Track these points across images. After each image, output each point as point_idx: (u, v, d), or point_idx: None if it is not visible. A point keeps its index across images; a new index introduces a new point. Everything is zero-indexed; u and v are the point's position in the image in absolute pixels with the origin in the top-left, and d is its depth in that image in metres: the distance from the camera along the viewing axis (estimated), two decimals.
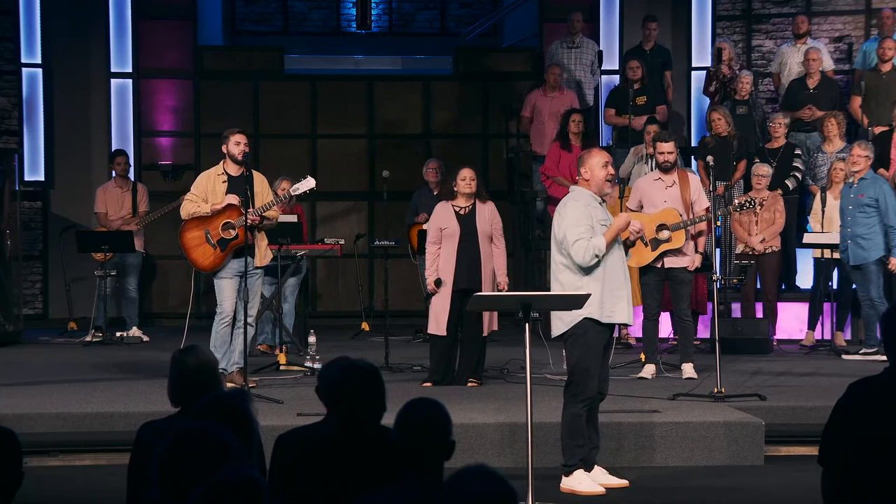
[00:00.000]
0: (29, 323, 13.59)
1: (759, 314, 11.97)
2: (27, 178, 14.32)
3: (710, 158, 9.35)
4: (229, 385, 8.57)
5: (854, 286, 11.64)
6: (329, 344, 11.20)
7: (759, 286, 12.11)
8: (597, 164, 6.98)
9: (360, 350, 10.89)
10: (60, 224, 14.30)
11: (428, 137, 15.41)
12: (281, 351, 10.62)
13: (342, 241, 11.68)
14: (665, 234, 9.63)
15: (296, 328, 11.70)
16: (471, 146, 15.29)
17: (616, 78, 14.50)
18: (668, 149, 9.85)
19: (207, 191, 9.18)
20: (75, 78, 14.80)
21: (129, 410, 8.08)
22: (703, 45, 14.46)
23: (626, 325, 8.17)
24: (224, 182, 9.18)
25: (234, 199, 9.05)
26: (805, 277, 12.80)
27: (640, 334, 10.64)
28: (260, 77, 15.30)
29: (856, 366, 10.25)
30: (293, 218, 11.47)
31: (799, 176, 12.48)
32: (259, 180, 9.24)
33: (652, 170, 10.57)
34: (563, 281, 6.94)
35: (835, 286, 11.83)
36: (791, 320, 12.43)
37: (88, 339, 12.48)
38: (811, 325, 12.06)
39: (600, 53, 14.20)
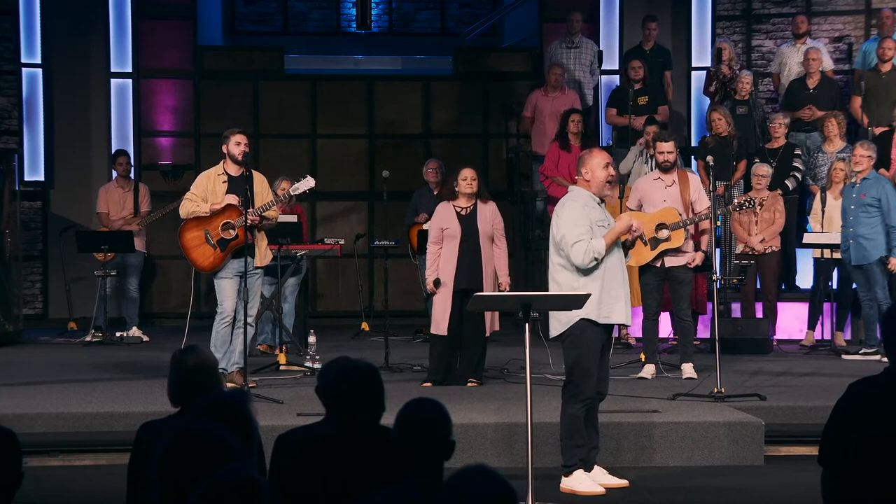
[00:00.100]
0: (29, 323, 13.59)
1: (759, 314, 11.97)
2: (27, 178, 14.32)
3: (710, 158, 9.35)
4: (229, 385, 8.57)
5: (854, 286, 11.65)
6: (329, 344, 11.20)
7: (759, 286, 12.11)
8: (598, 164, 6.97)
9: (360, 350, 10.89)
10: (60, 224, 14.29)
11: (428, 137, 15.41)
12: (281, 351, 10.63)
13: (342, 241, 11.68)
14: (664, 233, 9.63)
15: (296, 328, 11.70)
16: (471, 146, 15.29)
17: (616, 78, 14.51)
18: (667, 148, 9.85)
19: (207, 191, 9.18)
20: (75, 78, 14.80)
21: (129, 410, 8.08)
22: (703, 45, 14.46)
23: (624, 326, 8.17)
24: (224, 182, 9.18)
25: (233, 199, 9.05)
26: (805, 277, 12.80)
27: (639, 334, 10.64)
28: (260, 77, 15.31)
29: (856, 366, 10.25)
30: (293, 218, 11.47)
31: (799, 176, 12.48)
32: (259, 180, 9.24)
33: (652, 170, 10.57)
34: (560, 281, 6.93)
35: (835, 286, 11.83)
36: (791, 320, 12.43)
37: (88, 339, 12.49)
38: (811, 325, 12.06)
39: (600, 53, 14.21)
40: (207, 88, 15.18)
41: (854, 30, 14.31)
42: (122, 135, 14.71)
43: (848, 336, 12.19)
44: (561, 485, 6.96)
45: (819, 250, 11.70)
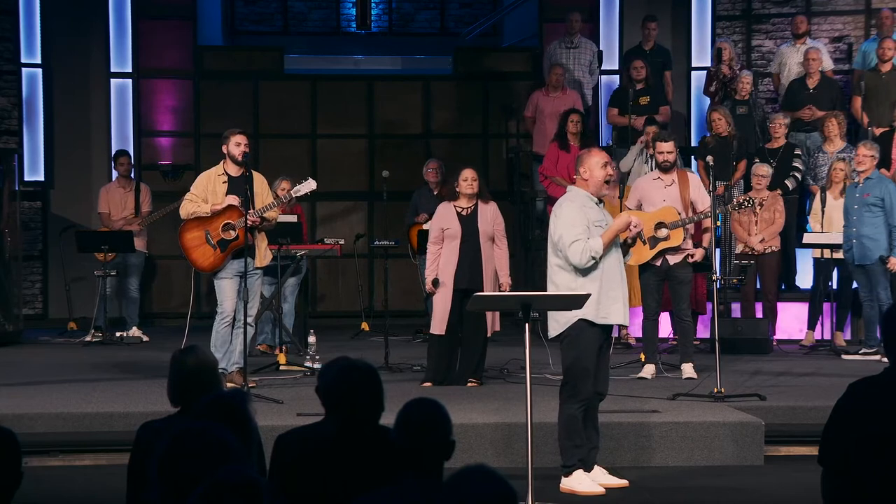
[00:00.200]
0: (29, 323, 13.59)
1: (759, 314, 11.97)
2: (27, 178, 14.32)
3: (710, 158, 9.35)
4: (229, 385, 8.57)
5: (855, 286, 11.65)
6: (329, 344, 11.20)
7: (758, 286, 12.11)
8: (596, 164, 6.96)
9: (360, 350, 10.89)
10: (60, 224, 14.30)
11: (428, 137, 15.41)
12: (281, 351, 10.63)
13: (342, 241, 11.68)
14: (663, 232, 9.63)
15: (296, 328, 11.70)
16: (471, 146, 15.29)
17: (615, 78, 14.52)
18: (667, 148, 9.85)
19: (208, 191, 9.19)
20: (75, 78, 14.80)
21: (129, 410, 8.08)
22: (703, 45, 14.47)
23: (623, 326, 8.17)
24: (224, 182, 9.18)
25: (234, 199, 9.05)
26: (805, 277, 12.80)
27: (639, 334, 10.64)
28: (260, 77, 15.31)
29: (856, 366, 10.25)
30: (293, 218, 11.47)
31: (799, 176, 12.48)
32: (259, 181, 9.24)
33: (652, 169, 10.57)
34: (557, 282, 6.92)
35: (835, 286, 11.83)
36: (791, 320, 12.43)
37: (88, 339, 12.48)
38: (811, 325, 12.06)
39: (600, 53, 14.21)
40: (207, 88, 15.18)
41: (854, 30, 14.31)
42: (122, 135, 14.71)
43: (848, 336, 12.19)
44: (561, 485, 6.96)
45: (819, 250, 11.70)
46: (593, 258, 6.79)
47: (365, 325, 13.39)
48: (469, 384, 9.33)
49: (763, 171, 11.85)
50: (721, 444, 7.76)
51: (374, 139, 15.42)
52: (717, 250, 11.66)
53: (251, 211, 8.92)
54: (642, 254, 9.64)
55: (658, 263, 9.73)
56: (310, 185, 9.52)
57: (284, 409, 8.07)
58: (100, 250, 12.56)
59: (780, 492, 7.12)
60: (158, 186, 14.29)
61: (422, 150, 15.02)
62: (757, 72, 14.12)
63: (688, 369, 9.72)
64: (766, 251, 11.88)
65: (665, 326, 10.87)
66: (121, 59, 14.79)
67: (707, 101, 13.70)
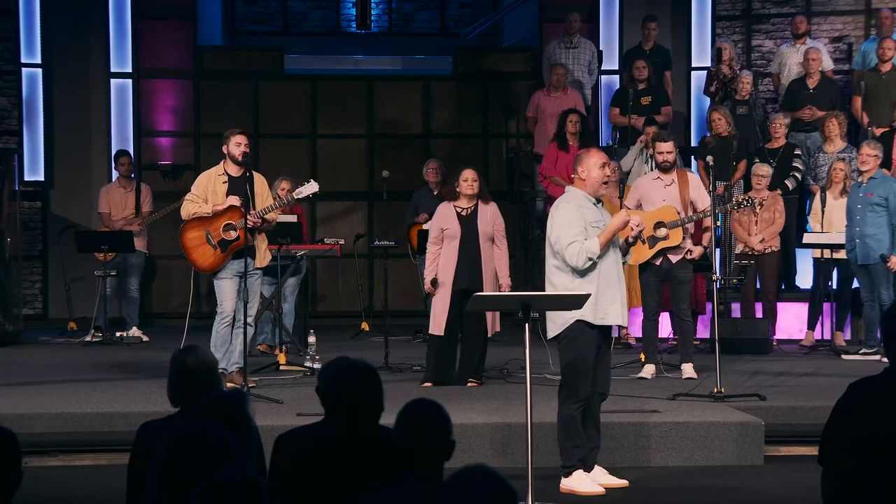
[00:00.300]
0: (29, 323, 13.59)
1: (759, 314, 11.97)
2: (27, 178, 14.32)
3: (710, 158, 9.35)
4: (229, 385, 8.58)
5: (855, 286, 11.65)
6: (329, 344, 11.20)
7: (758, 286, 12.11)
8: (594, 164, 6.96)
9: (360, 350, 10.89)
10: (60, 224, 14.30)
11: (428, 137, 15.41)
12: (281, 351, 10.63)
13: (342, 241, 11.68)
14: (663, 231, 9.63)
15: (296, 328, 11.70)
16: (471, 146, 15.29)
17: (615, 78, 14.52)
18: (667, 148, 9.85)
19: (208, 191, 9.19)
20: (75, 78, 14.80)
21: (129, 410, 8.08)
22: (703, 45, 14.47)
23: (623, 326, 8.16)
24: (224, 182, 9.18)
25: (235, 200, 9.05)
26: (805, 277, 12.80)
27: (639, 334, 10.64)
28: (260, 77, 15.31)
29: (856, 366, 10.25)
30: (293, 218, 11.47)
31: (799, 176, 12.48)
32: (259, 181, 9.25)
33: (652, 169, 10.57)
34: (555, 283, 6.92)
35: (834, 286, 11.83)
36: (791, 320, 12.43)
37: (88, 339, 12.48)
38: (811, 325, 12.06)
39: (600, 53, 14.21)
40: (207, 88, 15.18)
41: (854, 30, 14.31)
42: (122, 135, 14.71)
43: (848, 336, 12.19)
44: (561, 485, 6.96)
45: (819, 250, 11.70)
46: (590, 259, 6.78)
47: (365, 325, 13.39)
48: (469, 384, 9.33)
49: (763, 171, 11.85)
50: (721, 444, 7.76)
51: (374, 139, 15.42)
52: (717, 250, 11.67)
53: (252, 211, 8.92)
54: (641, 253, 9.64)
55: (658, 262, 9.74)
56: (312, 188, 9.52)
57: (284, 409, 8.07)
58: (100, 250, 12.56)
59: (780, 492, 7.12)
60: (158, 186, 14.29)
61: (422, 150, 15.02)
62: (757, 72, 14.12)
63: (688, 369, 9.72)
64: (766, 251, 11.89)
65: (665, 326, 10.87)
66: (121, 59, 14.79)
67: (707, 101, 13.70)
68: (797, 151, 12.55)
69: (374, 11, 16.80)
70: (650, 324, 9.90)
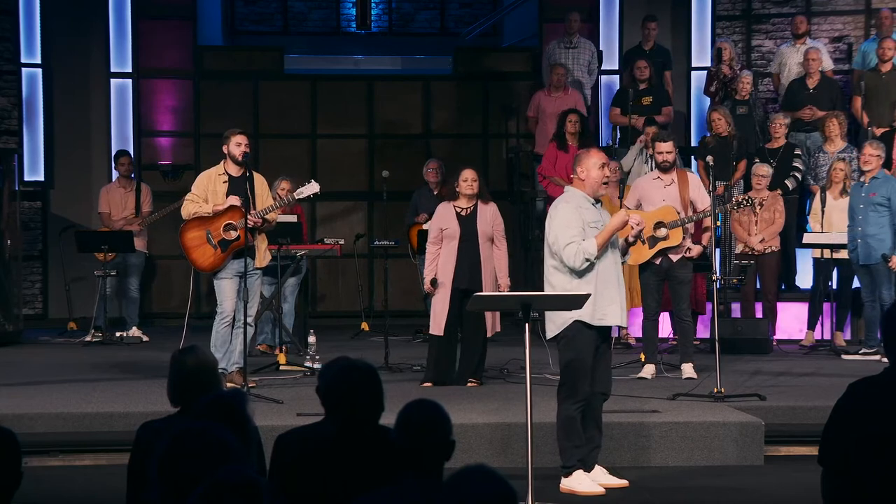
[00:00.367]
0: (29, 323, 13.59)
1: (759, 314, 11.97)
2: (27, 178, 14.32)
3: (710, 158, 9.35)
4: (229, 385, 8.58)
5: (856, 286, 11.64)
6: (329, 344, 11.20)
7: (758, 286, 12.11)
8: (593, 164, 6.95)
9: (360, 350, 10.89)
10: (60, 224, 14.30)
11: (428, 137, 15.41)
12: (281, 351, 10.63)
13: (342, 241, 11.67)
14: (662, 231, 9.63)
15: (296, 328, 11.70)
16: (471, 146, 15.29)
17: (615, 78, 14.52)
18: (666, 148, 9.85)
19: (208, 190, 9.19)
20: (75, 78, 14.80)
21: (128, 410, 8.08)
22: (703, 45, 14.47)
23: (622, 327, 8.15)
24: (225, 182, 9.19)
25: (236, 200, 9.05)
26: (805, 277, 12.80)
27: (639, 334, 10.64)
28: (260, 77, 15.31)
29: (856, 366, 10.25)
30: (293, 218, 11.47)
31: (799, 176, 12.48)
32: (259, 182, 9.25)
33: (652, 169, 10.57)
34: (554, 283, 6.92)
35: (834, 286, 11.83)
36: (791, 320, 12.43)
37: (88, 339, 12.48)
38: (811, 325, 12.06)
39: (600, 53, 14.21)
40: (207, 88, 15.18)
41: (854, 30, 14.31)
42: (122, 135, 14.71)
43: (848, 336, 12.19)
44: (560, 485, 6.96)
45: (819, 250, 11.70)
46: (587, 260, 6.77)
47: (365, 325, 13.39)
48: (469, 384, 9.33)
49: (763, 171, 11.85)
50: (721, 444, 7.76)
51: (374, 139, 15.42)
52: (717, 250, 11.68)
53: (253, 211, 8.93)
54: (641, 253, 9.64)
55: (658, 262, 9.73)
56: (313, 188, 9.52)
57: (284, 409, 8.07)
58: (100, 250, 12.56)
59: (780, 492, 7.12)
60: (158, 186, 14.29)
61: (422, 150, 15.02)
62: (757, 72, 14.12)
63: (688, 369, 9.72)
64: (766, 251, 11.89)
65: (665, 326, 10.87)
66: (121, 59, 14.79)
67: (707, 101, 13.70)
68: (797, 151, 12.55)
69: (374, 11, 16.81)
70: (650, 324, 9.90)
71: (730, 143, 12.20)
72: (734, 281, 11.72)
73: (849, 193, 11.52)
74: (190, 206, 9.19)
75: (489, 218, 9.37)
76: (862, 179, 11.22)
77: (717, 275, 9.24)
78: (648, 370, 9.80)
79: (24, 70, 14.51)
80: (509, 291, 9.30)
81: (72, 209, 14.59)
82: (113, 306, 13.00)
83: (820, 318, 11.91)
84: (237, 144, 9.16)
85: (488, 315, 9.28)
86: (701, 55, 14.45)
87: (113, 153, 13.98)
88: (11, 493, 3.55)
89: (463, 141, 15.34)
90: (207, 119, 14.95)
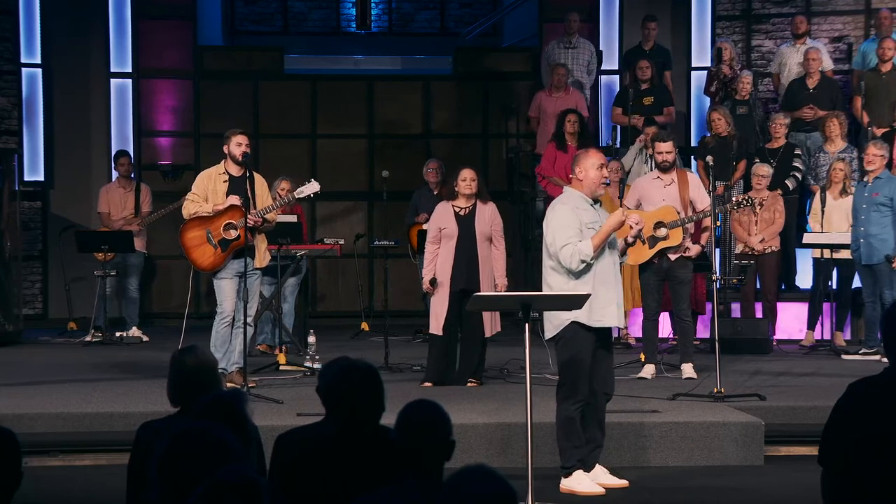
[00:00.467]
0: (29, 323, 13.59)
1: (759, 314, 11.97)
2: (27, 178, 14.32)
3: (709, 158, 9.35)
4: (229, 385, 8.58)
5: (856, 286, 11.64)
6: (329, 344, 11.20)
7: (758, 286, 12.11)
8: (592, 164, 6.94)
9: (360, 350, 10.89)
10: (60, 224, 14.30)
11: (428, 137, 15.41)
12: (281, 351, 10.63)
13: (342, 241, 11.67)
14: (662, 231, 9.63)
15: (296, 328, 11.70)
16: (471, 146, 15.29)
17: (615, 78, 14.52)
18: (666, 148, 9.85)
19: (208, 190, 9.19)
20: (75, 78, 14.80)
21: (128, 410, 8.08)
22: (703, 45, 14.47)
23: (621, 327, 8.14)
24: (225, 182, 9.19)
25: (236, 199, 9.05)
26: (805, 277, 12.80)
27: (639, 334, 10.64)
28: (260, 77, 15.31)
29: (856, 366, 10.25)
30: (293, 218, 11.47)
31: (799, 176, 12.48)
32: (259, 182, 9.26)
33: (651, 169, 10.58)
34: (551, 284, 6.91)
35: (834, 286, 11.83)
36: (791, 320, 12.43)
37: (88, 339, 12.49)
38: (811, 325, 12.06)
39: (600, 53, 14.20)
40: (207, 88, 15.18)
41: (854, 30, 14.31)
42: (121, 135, 14.72)
43: (848, 336, 12.19)
44: (560, 485, 6.96)
45: (819, 250, 11.70)
46: (583, 261, 6.76)
47: (365, 325, 13.38)
48: (469, 384, 9.33)
49: (763, 171, 11.85)
50: (721, 444, 7.76)
51: (374, 139, 15.42)
52: (717, 250, 11.68)
53: (253, 211, 8.93)
54: (641, 253, 9.64)
55: (657, 261, 9.73)
56: (313, 187, 9.52)
57: (284, 409, 8.07)
58: (100, 250, 12.56)
59: (780, 492, 7.12)
60: (158, 186, 14.29)
61: (422, 150, 15.02)
62: (757, 72, 14.12)
63: (688, 369, 9.72)
64: (766, 251, 11.88)
65: (665, 326, 10.87)
66: (121, 59, 14.79)
67: (707, 101, 13.70)
68: (797, 151, 12.55)
69: (374, 11, 16.81)
70: (650, 324, 9.90)
71: (730, 143, 12.20)
72: (734, 281, 11.72)
73: (849, 193, 11.52)
74: (190, 206, 9.20)
75: (488, 218, 9.37)
76: (865, 179, 11.21)
77: (717, 275, 9.24)
78: (648, 370, 9.80)
79: (24, 70, 14.51)
80: (506, 291, 9.31)
81: (72, 209, 14.59)
82: (113, 306, 13.00)
83: (820, 318, 11.91)
84: (237, 144, 9.17)
85: (487, 315, 9.28)
86: (701, 55, 14.45)
87: (113, 153, 13.98)
88: (11, 493, 3.55)
89: (463, 141, 15.34)
90: (207, 119, 14.95)
